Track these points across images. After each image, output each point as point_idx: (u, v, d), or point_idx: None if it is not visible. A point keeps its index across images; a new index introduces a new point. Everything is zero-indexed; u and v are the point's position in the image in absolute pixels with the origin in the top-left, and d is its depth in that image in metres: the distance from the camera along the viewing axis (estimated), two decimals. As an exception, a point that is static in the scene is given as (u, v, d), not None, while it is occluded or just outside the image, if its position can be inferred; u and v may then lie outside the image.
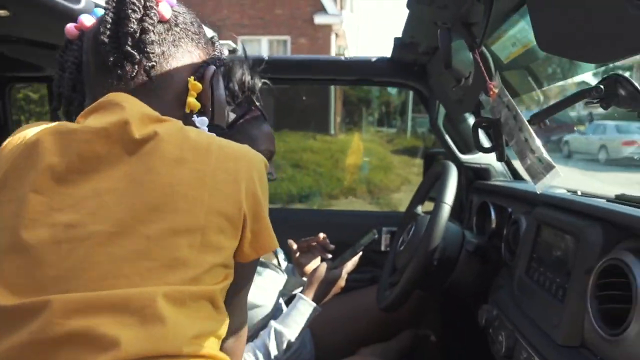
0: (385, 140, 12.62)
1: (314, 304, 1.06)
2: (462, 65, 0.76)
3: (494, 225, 1.30)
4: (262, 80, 1.14)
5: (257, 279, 1.09)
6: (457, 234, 1.21)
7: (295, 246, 1.28)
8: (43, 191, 0.51)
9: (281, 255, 1.31)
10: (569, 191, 1.05)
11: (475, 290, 1.16)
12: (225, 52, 0.99)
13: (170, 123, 0.56)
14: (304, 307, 1.05)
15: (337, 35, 12.02)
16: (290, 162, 8.39)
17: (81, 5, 0.95)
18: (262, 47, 11.15)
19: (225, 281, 0.55)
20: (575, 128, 9.47)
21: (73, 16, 0.94)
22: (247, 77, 1.08)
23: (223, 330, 0.57)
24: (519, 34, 0.98)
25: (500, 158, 0.82)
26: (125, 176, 0.52)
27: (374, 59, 1.46)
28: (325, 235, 1.29)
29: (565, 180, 0.77)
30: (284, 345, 0.99)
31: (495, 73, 0.75)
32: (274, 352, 0.98)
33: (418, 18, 0.96)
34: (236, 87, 1.08)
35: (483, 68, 0.74)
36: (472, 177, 1.59)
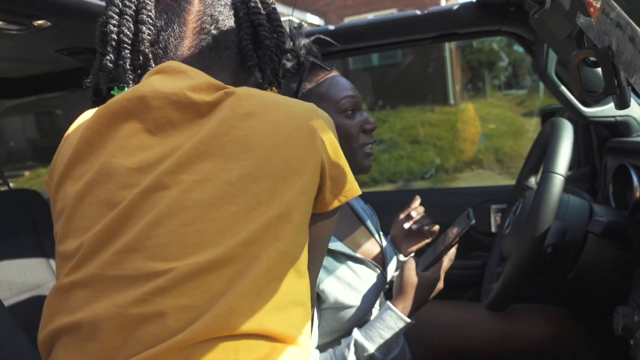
0: (514, 103, 11.45)
1: (405, 319, 0.87)
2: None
3: (637, 194, 0.98)
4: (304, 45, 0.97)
5: (349, 277, 0.92)
6: (582, 211, 0.93)
7: (397, 229, 1.08)
8: (123, 156, 0.53)
9: (384, 242, 1.08)
10: None
11: (609, 285, 0.88)
12: None
13: (237, 88, 0.57)
14: (392, 321, 0.87)
15: (448, -2, 11.18)
16: (408, 139, 8.10)
17: None
18: (370, 24, 10.88)
19: (305, 235, 0.54)
20: None
21: None
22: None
23: (308, 299, 0.54)
24: None
25: (621, 104, 0.56)
26: (200, 132, 0.53)
27: (456, 7, 1.21)
28: (434, 225, 1.05)
29: None
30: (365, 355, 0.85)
31: (597, -21, 0.50)
32: None
33: None
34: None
35: (576, -24, 0.50)
36: (606, 134, 1.25)
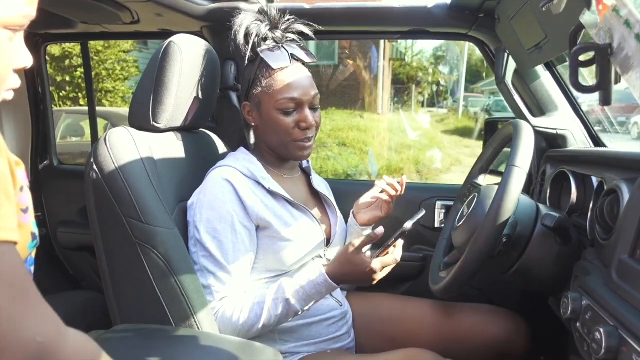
0: (435, 120, 12.19)
1: (325, 276, 0.93)
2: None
3: (574, 198, 1.09)
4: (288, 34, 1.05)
5: (286, 216, 1.02)
6: (530, 207, 1.01)
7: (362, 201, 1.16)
8: None
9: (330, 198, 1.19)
10: None
11: (551, 276, 0.96)
12: None
13: None
14: (314, 274, 0.94)
15: None
16: (336, 141, 8.26)
17: None
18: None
19: None
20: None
21: None
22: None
23: None
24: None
25: (605, 100, 0.62)
26: None
27: (430, 6, 1.26)
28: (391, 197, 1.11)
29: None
30: (281, 297, 0.93)
31: (608, -20, 0.55)
32: (268, 302, 0.94)
33: None
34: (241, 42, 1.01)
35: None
36: (545, 145, 1.36)
